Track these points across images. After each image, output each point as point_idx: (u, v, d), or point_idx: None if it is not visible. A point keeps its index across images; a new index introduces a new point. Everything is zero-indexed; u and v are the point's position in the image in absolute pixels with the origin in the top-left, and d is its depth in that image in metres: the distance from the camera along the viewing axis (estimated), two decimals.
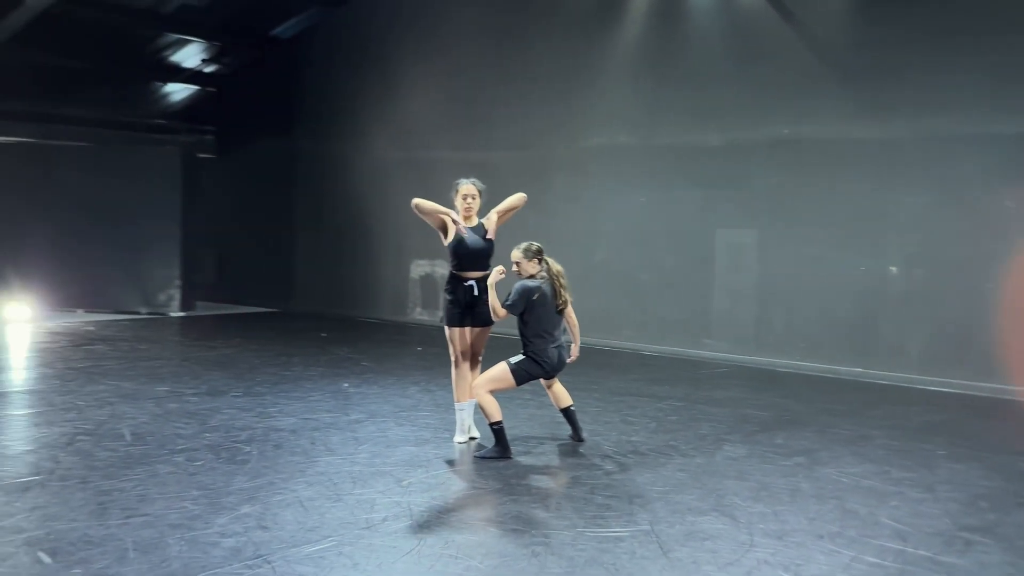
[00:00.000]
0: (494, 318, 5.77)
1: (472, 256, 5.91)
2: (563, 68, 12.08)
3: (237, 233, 16.49)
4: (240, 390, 7.72)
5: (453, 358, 6.03)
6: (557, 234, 12.28)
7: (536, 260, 5.83)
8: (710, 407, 7.51)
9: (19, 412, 6.61)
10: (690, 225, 10.92)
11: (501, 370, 5.73)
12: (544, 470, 5.46)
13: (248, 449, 5.68)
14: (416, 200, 5.91)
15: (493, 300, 5.69)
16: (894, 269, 9.41)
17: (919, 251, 9.20)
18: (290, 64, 15.62)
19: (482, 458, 5.61)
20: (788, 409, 7.48)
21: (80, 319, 12.94)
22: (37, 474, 5.00)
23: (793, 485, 5.17)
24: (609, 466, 5.55)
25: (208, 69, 16.24)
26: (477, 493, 4.96)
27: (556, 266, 5.88)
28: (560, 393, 6.10)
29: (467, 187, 6.03)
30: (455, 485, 5.06)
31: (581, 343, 6.21)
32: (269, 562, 3.78)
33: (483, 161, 13.03)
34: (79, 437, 5.90)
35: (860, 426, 6.79)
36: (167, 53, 15.39)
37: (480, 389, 5.68)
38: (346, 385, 8.05)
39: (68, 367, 8.76)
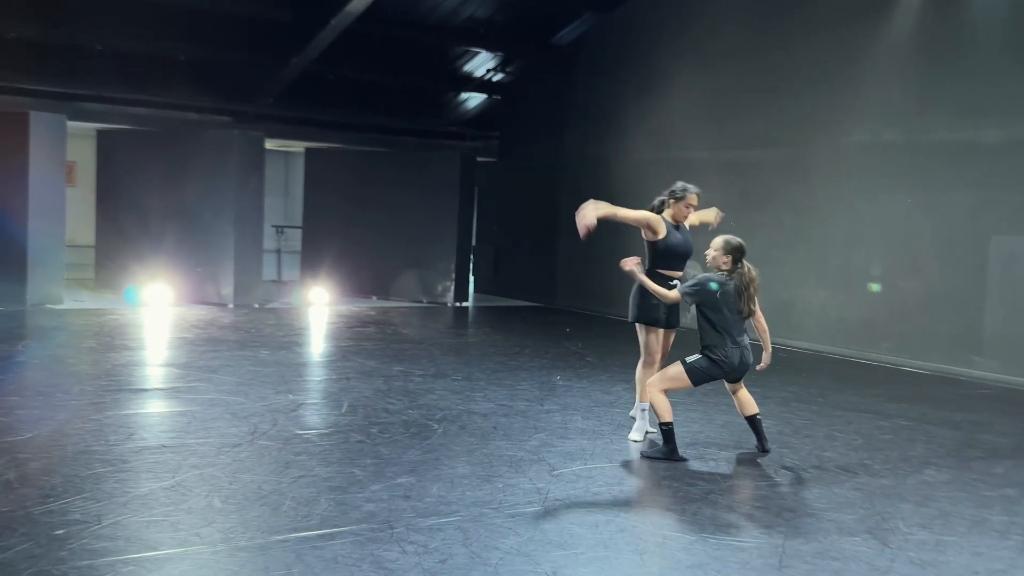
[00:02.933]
0: (665, 302, 5.77)
1: (680, 256, 5.98)
2: (824, 61, 11.40)
3: (512, 231, 17.44)
4: (462, 374, 8.27)
5: (645, 357, 6.06)
6: (814, 236, 11.67)
7: (731, 257, 5.68)
8: (941, 429, 6.83)
9: (267, 380, 7.61)
10: (961, 230, 9.89)
11: (677, 370, 5.68)
12: (707, 476, 5.35)
13: (436, 427, 6.14)
14: (619, 213, 6.03)
15: (654, 287, 5.70)
16: None
17: None
18: (564, 69, 16.18)
19: (648, 457, 5.61)
20: None
21: (369, 305, 14.39)
22: (252, 433, 5.80)
23: (981, 517, 4.64)
24: (780, 479, 5.31)
25: (495, 78, 17.31)
26: (622, 490, 4.99)
27: (752, 272, 5.68)
28: (745, 400, 5.90)
29: (695, 197, 6.11)
30: (604, 480, 5.11)
31: (772, 346, 5.98)
32: (392, 528, 4.13)
33: (738, 159, 12.70)
34: (304, 405, 6.72)
35: None
36: (458, 64, 16.63)
37: (654, 388, 5.67)
38: (558, 378, 8.31)
39: (334, 344, 9.88)
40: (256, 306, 13.31)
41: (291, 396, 7.00)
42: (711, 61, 13.10)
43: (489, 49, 16.16)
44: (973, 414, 7.45)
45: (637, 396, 6.15)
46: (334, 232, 15.55)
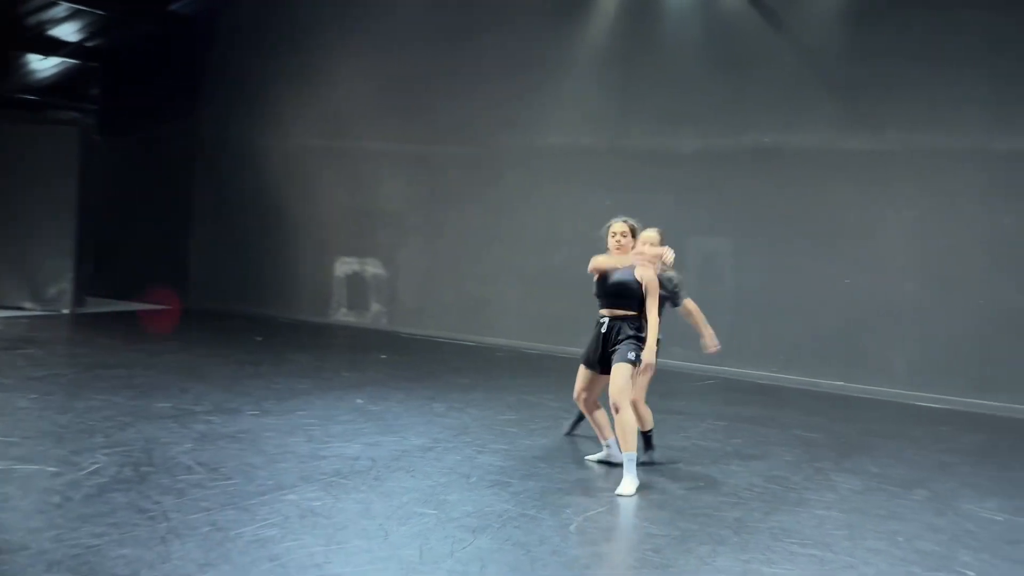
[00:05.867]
0: None
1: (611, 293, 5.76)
2: (518, 61, 11.57)
3: (120, 221, 14.70)
4: (249, 406, 6.81)
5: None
6: (507, 234, 11.79)
7: None
8: (755, 427, 7.27)
9: (30, 434, 5.50)
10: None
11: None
12: (781, 506, 5.08)
13: (403, 483, 4.98)
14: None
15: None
16: (847, 280, 9.66)
17: (908, 264, 9.30)
18: (192, 42, 14.27)
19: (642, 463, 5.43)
20: (832, 431, 7.32)
21: None
22: (163, 518, 4.13)
23: (991, 531, 4.84)
24: (841, 505, 5.19)
25: (92, 43, 14.63)
26: (737, 537, 4.52)
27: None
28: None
29: (618, 225, 5.85)
30: (704, 538, 4.50)
31: None
32: None
33: (423, 154, 12.43)
34: (144, 469, 4.95)
35: (924, 450, 6.77)
36: (47, 23, 13.70)
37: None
38: (360, 401, 7.30)
39: (24, 375, 7.46)
40: None
41: (103, 456, 5.12)
42: (386, 47, 12.52)
43: (94, 8, 13.45)
44: (751, 408, 8.11)
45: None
46: None
